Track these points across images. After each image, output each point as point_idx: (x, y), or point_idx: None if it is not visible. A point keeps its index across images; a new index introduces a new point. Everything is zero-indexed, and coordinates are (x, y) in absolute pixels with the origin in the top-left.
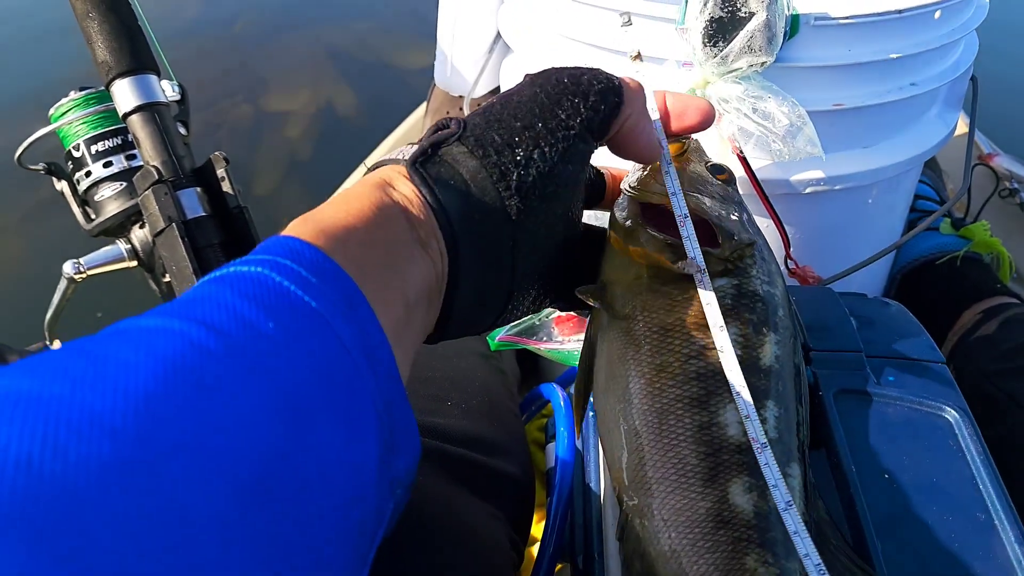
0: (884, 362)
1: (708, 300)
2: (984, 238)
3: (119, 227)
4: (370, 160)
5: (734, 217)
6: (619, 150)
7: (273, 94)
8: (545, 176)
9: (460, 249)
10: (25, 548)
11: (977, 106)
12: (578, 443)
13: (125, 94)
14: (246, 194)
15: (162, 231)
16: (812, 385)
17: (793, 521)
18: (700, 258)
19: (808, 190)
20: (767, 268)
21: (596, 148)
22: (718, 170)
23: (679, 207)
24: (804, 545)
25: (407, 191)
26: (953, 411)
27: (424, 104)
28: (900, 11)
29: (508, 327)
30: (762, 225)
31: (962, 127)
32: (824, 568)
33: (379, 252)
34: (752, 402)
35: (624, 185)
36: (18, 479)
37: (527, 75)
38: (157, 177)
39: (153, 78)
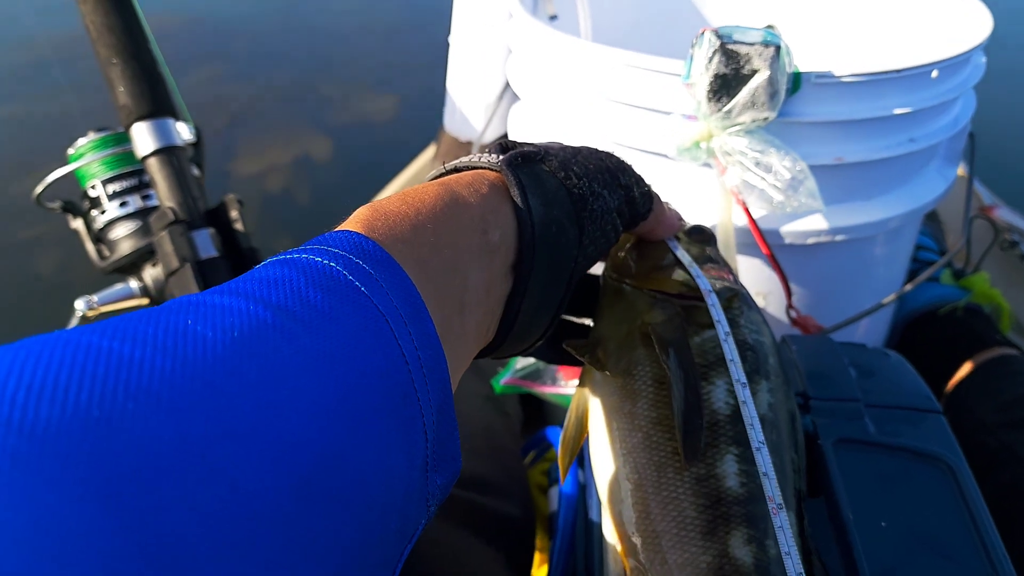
0: (882, 411)
1: (732, 357)
2: (984, 289)
3: (132, 265)
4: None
5: (717, 275)
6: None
7: (245, 143)
8: (606, 213)
9: (536, 256)
10: (97, 505)
11: (975, 161)
12: (581, 480)
13: (144, 137)
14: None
15: (176, 271)
16: (811, 434)
17: None
18: (725, 322)
19: (810, 241)
20: (753, 317)
21: (620, 233)
22: (698, 232)
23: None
24: None
25: (489, 194)
26: (950, 460)
27: (433, 146)
28: (899, 70)
29: (512, 371)
30: (764, 275)
31: (963, 180)
32: None
33: (444, 255)
34: (770, 460)
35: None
36: (89, 429)
37: (585, 146)
38: (173, 218)
39: (171, 122)
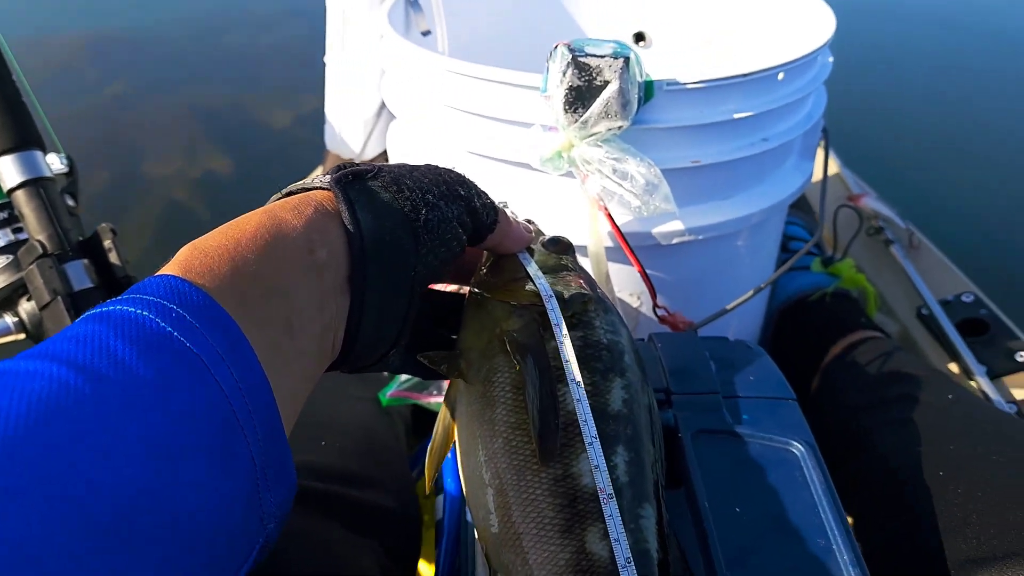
0: (739, 402)
1: (568, 358)
2: (850, 275)
3: (7, 300)
4: None
5: (571, 282)
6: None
7: (148, 158)
8: (443, 223)
9: (369, 269)
10: None
11: (829, 151)
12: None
13: (9, 171)
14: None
15: (48, 304)
16: (672, 427)
17: None
18: (563, 324)
19: (675, 240)
20: (609, 319)
21: (464, 242)
22: (554, 243)
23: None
24: None
25: (315, 214)
26: (800, 445)
27: (320, 168)
28: (745, 75)
29: (398, 384)
30: (636, 277)
31: (833, 169)
32: None
33: (266, 281)
34: (602, 453)
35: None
36: None
37: (426, 163)
38: (42, 251)
39: (38, 154)
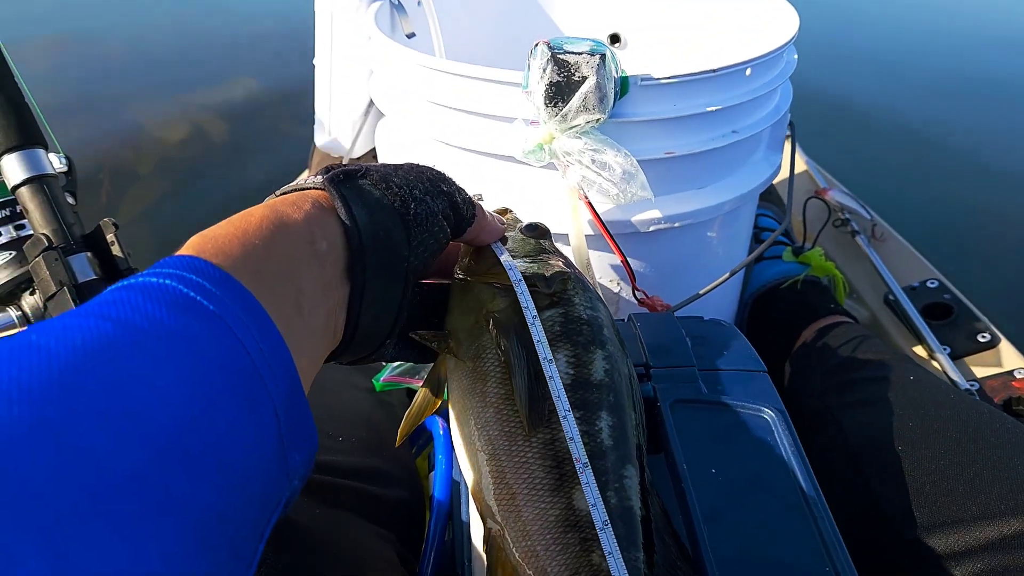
0: (714, 374)
1: (539, 338)
2: (820, 263)
3: (9, 295)
4: None
5: (551, 263)
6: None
7: (149, 151)
8: (431, 217)
9: (367, 259)
10: None
11: (796, 147)
12: (456, 472)
13: (14, 168)
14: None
15: (54, 295)
16: (651, 398)
17: (608, 542)
18: (532, 307)
19: (651, 228)
20: (588, 296)
21: (449, 235)
22: (532, 229)
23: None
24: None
25: (313, 209)
26: (771, 412)
27: (306, 172)
28: (714, 70)
29: (391, 369)
30: (616, 262)
31: (801, 165)
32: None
33: (274, 265)
34: (576, 427)
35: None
36: None
37: (407, 162)
38: (47, 244)
39: (41, 152)
